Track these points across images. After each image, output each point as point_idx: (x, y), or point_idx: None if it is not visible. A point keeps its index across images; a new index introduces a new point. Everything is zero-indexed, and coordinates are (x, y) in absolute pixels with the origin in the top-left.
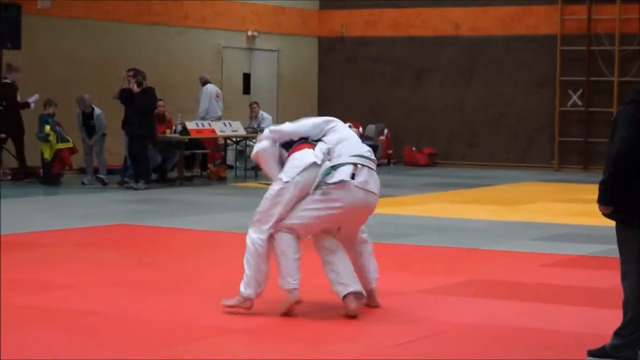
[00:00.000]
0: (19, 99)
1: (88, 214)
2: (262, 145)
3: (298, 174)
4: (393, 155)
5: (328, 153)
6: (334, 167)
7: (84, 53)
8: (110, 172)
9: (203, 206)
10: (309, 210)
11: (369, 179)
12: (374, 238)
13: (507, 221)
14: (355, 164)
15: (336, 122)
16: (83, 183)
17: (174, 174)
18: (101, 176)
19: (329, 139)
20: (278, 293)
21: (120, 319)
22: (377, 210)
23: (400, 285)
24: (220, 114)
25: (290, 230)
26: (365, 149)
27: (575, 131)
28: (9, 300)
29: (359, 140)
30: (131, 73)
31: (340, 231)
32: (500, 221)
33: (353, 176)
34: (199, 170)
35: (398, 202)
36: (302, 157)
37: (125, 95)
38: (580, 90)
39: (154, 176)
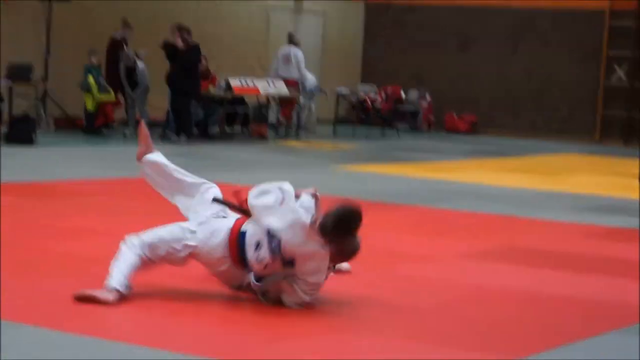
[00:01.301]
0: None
1: (127, 165)
2: None
3: None
4: (434, 121)
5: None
6: None
7: (131, 7)
8: (153, 125)
9: (241, 162)
10: None
11: None
12: (413, 202)
13: (545, 190)
14: None
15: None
16: (124, 135)
17: (215, 130)
18: None
19: None
20: None
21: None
22: (415, 175)
23: (436, 250)
24: (289, 76)
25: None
26: None
27: (618, 106)
28: (48, 247)
29: None
30: (176, 29)
31: None
32: (538, 190)
33: None
34: (241, 128)
35: (437, 168)
36: None
37: (170, 51)
38: (626, 66)
39: (195, 131)
